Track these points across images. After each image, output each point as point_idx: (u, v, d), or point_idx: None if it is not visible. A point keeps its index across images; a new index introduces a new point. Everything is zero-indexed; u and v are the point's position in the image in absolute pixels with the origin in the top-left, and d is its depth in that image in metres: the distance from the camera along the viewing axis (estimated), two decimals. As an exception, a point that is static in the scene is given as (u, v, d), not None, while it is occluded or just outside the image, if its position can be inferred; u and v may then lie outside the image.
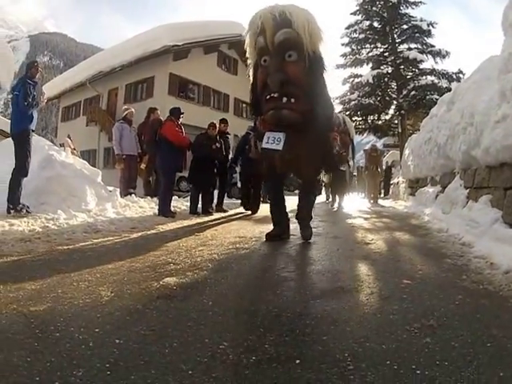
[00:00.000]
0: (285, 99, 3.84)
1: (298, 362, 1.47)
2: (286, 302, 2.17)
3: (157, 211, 6.65)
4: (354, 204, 11.96)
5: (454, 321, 1.88)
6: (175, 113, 7.00)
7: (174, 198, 7.49)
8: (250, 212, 8.21)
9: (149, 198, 8.21)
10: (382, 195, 17.75)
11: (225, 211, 7.88)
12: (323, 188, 13.76)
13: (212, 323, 1.85)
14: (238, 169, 10.30)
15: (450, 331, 1.75)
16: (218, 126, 7.87)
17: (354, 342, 1.63)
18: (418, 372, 1.39)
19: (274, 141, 4.06)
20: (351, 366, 1.43)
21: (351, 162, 9.98)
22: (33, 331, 1.68)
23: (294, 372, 1.39)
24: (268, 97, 3.92)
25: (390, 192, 17.30)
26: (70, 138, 11.67)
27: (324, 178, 10.50)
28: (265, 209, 8.98)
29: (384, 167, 16.78)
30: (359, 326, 1.81)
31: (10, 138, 5.68)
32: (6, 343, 1.56)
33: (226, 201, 9.46)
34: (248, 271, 2.91)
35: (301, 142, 4.02)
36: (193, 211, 7.36)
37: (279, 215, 4.50)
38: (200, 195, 7.57)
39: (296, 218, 4.52)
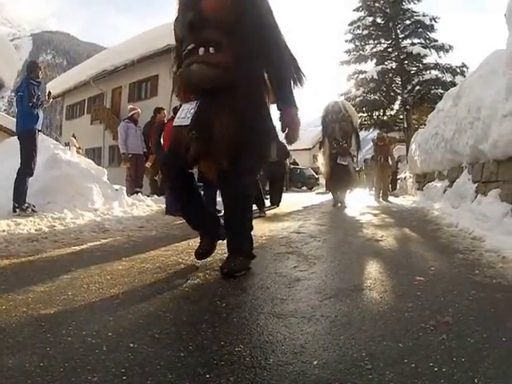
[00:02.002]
0: (201, 50, 2.63)
1: (315, 363, 1.46)
2: (300, 303, 2.15)
3: (164, 210, 6.61)
4: (360, 201, 11.58)
5: (469, 316, 1.87)
6: (176, 112, 6.91)
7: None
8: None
9: (155, 196, 8.25)
10: (390, 191, 17.62)
11: None
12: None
13: (226, 325, 1.84)
14: None
15: (466, 327, 1.74)
16: None
17: (371, 341, 1.63)
18: (436, 369, 1.38)
19: (185, 114, 2.77)
20: (369, 366, 1.42)
21: (355, 154, 9.62)
22: (44, 335, 1.67)
23: (312, 373, 1.38)
24: (185, 52, 2.75)
25: (398, 187, 17.19)
26: (75, 138, 11.80)
27: (323, 171, 9.76)
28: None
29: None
30: (375, 325, 1.81)
31: (16, 137, 5.74)
32: (17, 348, 1.54)
33: None
34: (260, 271, 2.89)
35: (222, 115, 2.63)
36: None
37: (197, 219, 3.11)
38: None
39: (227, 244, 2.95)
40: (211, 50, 2.61)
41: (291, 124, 2.78)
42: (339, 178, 9.01)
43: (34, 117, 5.45)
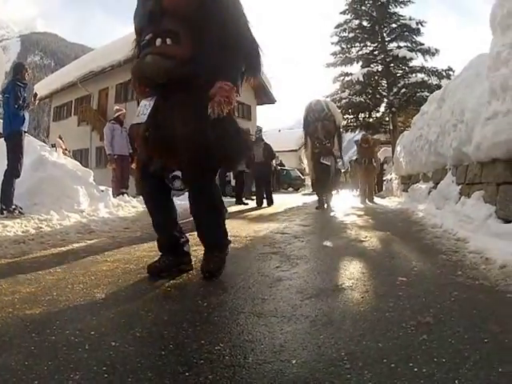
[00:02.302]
0: (158, 41, 2.46)
1: (294, 362, 1.45)
2: (281, 302, 2.14)
3: None
4: (346, 202, 11.66)
5: (451, 317, 1.86)
6: None
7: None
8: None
9: (141, 197, 8.22)
10: (375, 192, 17.72)
11: None
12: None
13: (207, 324, 1.84)
14: None
15: (447, 328, 1.73)
16: None
17: (350, 341, 1.62)
18: (416, 369, 1.37)
19: (143, 111, 2.58)
20: (348, 365, 1.41)
21: (338, 154, 9.18)
22: (29, 335, 1.68)
23: (290, 372, 1.38)
24: (143, 42, 2.58)
25: (384, 188, 17.30)
26: (61, 139, 11.75)
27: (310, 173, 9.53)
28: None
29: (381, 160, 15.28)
30: (355, 325, 1.79)
31: (3, 139, 5.68)
32: (3, 347, 1.56)
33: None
34: (242, 271, 2.87)
35: (179, 111, 2.45)
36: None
37: (160, 229, 2.89)
38: None
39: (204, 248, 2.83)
40: (168, 41, 2.44)
41: (221, 91, 2.40)
42: (322, 179, 8.81)
43: (20, 118, 5.42)
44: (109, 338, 1.64)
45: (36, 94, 5.97)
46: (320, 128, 8.72)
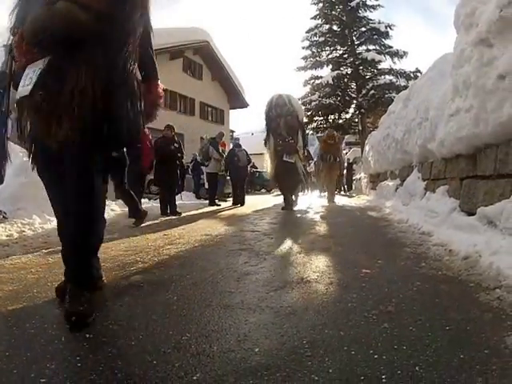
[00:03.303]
0: None
1: (257, 350, 1.48)
2: (247, 295, 2.16)
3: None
4: (314, 201, 11.70)
5: (413, 306, 1.89)
6: None
7: (144, 200, 7.84)
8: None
9: (120, 201, 8.27)
10: (344, 191, 17.93)
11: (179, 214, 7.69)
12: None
13: (176, 316, 1.89)
14: (204, 169, 10.83)
15: (408, 316, 1.75)
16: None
17: (312, 330, 1.63)
18: (376, 356, 1.39)
19: (30, 81, 1.90)
20: (309, 353, 1.43)
21: (302, 152, 8.66)
22: (10, 329, 1.76)
23: (253, 360, 1.40)
24: None
25: (353, 187, 17.51)
26: None
27: (268, 171, 8.96)
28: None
29: (345, 161, 14.99)
30: (317, 315, 1.81)
31: None
32: None
33: (196, 201, 10.80)
34: (212, 266, 2.90)
35: (78, 70, 1.86)
36: (164, 212, 7.48)
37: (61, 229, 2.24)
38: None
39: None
40: None
41: (157, 98, 2.41)
42: (287, 177, 8.22)
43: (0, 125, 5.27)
44: (83, 331, 1.71)
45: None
46: (283, 124, 8.29)
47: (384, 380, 1.24)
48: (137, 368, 1.38)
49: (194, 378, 1.30)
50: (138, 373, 1.35)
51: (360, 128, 25.83)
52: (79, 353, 1.51)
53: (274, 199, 12.82)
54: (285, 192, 8.76)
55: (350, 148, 28.69)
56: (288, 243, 3.90)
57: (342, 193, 17.03)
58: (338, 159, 11.00)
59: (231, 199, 11.41)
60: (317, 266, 2.80)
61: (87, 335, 1.67)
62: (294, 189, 8.75)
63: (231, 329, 1.69)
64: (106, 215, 6.26)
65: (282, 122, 8.26)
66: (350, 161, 20.32)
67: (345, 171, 16.43)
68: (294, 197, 8.76)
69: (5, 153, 5.23)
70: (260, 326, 1.70)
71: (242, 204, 10.67)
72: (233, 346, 1.52)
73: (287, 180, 8.28)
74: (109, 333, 1.71)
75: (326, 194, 11.81)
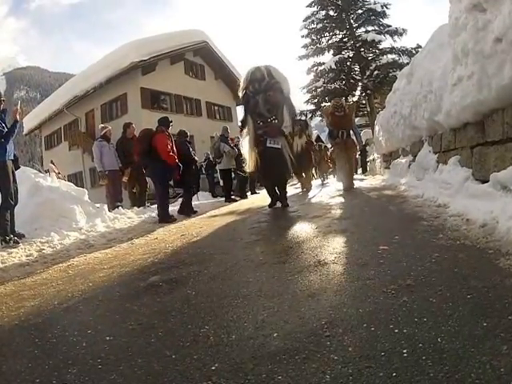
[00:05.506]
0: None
1: (275, 335, 1.48)
2: (265, 283, 2.17)
3: (149, 218, 6.87)
4: (325, 189, 10.76)
5: (432, 278, 1.86)
6: (164, 123, 7.04)
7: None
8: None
9: (135, 208, 8.34)
10: (360, 172, 17.80)
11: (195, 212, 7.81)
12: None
13: (194, 310, 1.92)
14: (217, 166, 11.65)
15: (428, 288, 1.72)
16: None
17: (331, 310, 1.62)
18: (396, 331, 1.37)
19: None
20: (328, 333, 1.43)
21: (288, 130, 6.73)
22: (33, 341, 1.81)
23: (272, 345, 1.41)
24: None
25: (368, 169, 17.38)
26: (53, 164, 11.94)
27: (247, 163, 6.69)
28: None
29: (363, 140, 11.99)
30: (335, 295, 1.80)
31: None
32: (10, 354, 1.71)
33: (212, 200, 11.28)
34: (229, 259, 2.93)
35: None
36: (183, 212, 7.58)
37: None
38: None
39: None
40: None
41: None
42: (273, 168, 6.41)
43: (2, 148, 5.29)
44: (103, 334, 1.77)
45: (16, 110, 5.69)
46: (262, 102, 6.51)
47: (405, 354, 1.22)
48: (156, 364, 1.40)
49: (213, 368, 1.32)
50: (158, 368, 1.37)
51: (368, 109, 25.68)
52: (100, 355, 1.54)
53: (289, 190, 12.82)
54: (269, 186, 7.02)
55: (361, 130, 28.58)
56: (304, 229, 3.90)
57: (356, 176, 16.82)
58: (352, 134, 8.79)
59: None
60: (334, 248, 2.79)
61: (108, 338, 1.72)
62: (283, 180, 6.93)
63: (249, 317, 1.70)
64: (123, 224, 6.44)
65: (260, 99, 6.55)
66: (363, 143, 20.11)
67: (358, 153, 14.45)
68: (282, 192, 6.78)
69: (8, 177, 5.30)
70: (278, 312, 1.71)
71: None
72: (251, 333, 1.54)
73: (274, 171, 6.50)
74: (129, 333, 1.75)
75: (340, 178, 9.33)
